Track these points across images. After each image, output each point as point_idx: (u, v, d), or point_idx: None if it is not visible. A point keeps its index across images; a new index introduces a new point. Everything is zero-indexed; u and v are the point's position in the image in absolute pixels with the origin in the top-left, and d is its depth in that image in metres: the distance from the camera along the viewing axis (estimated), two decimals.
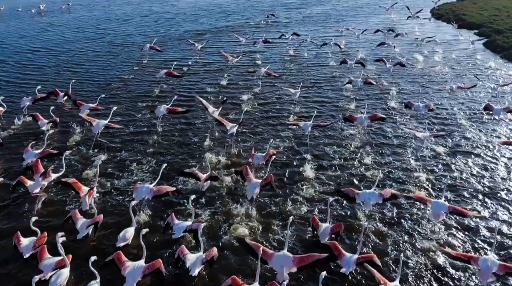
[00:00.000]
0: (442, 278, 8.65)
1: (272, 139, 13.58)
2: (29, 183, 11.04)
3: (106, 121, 14.11)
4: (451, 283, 8.53)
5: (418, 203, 10.73)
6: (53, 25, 38.82)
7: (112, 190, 11.64)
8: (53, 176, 11.38)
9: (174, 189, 10.63)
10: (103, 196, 11.31)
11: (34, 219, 9.35)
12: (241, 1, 54.57)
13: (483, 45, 29.52)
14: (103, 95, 17.13)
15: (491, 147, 14.30)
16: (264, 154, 12.33)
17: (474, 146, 14.39)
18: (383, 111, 17.15)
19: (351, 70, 22.87)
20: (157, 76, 20.46)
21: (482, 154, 13.80)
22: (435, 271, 8.82)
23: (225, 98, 16.79)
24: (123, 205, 10.94)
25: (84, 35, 34.01)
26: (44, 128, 14.70)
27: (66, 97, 17.54)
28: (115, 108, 15.22)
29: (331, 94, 19.70)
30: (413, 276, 8.69)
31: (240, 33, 31.82)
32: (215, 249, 8.52)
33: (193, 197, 10.00)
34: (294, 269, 8.12)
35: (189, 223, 9.43)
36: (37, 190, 11.10)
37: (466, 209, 10.19)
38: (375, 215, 10.62)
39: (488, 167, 13.02)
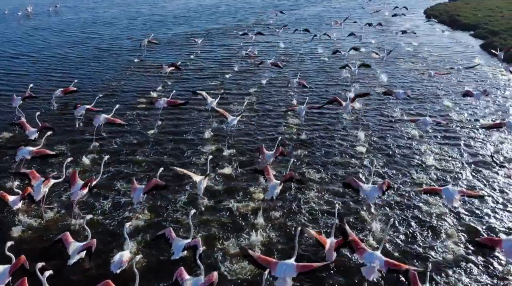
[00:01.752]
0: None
1: (280, 137, 13.48)
2: (10, 198, 10.06)
3: (107, 116, 14.47)
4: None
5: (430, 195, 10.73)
6: (38, 29, 37.35)
7: (104, 209, 10.70)
8: (52, 182, 10.59)
9: (163, 183, 10.40)
10: (94, 217, 10.24)
11: (9, 244, 8.22)
12: (231, 2, 53.69)
13: (480, 47, 29.03)
14: (100, 95, 16.97)
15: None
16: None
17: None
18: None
19: (346, 59, 24.43)
20: (162, 72, 21.37)
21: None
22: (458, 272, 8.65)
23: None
24: (116, 226, 10.01)
25: (69, 40, 32.69)
26: (32, 137, 13.56)
27: (62, 94, 17.51)
28: (117, 106, 15.58)
29: (327, 87, 20.76)
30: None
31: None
32: (215, 274, 7.67)
33: (193, 212, 9.19)
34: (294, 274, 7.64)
35: (188, 240, 8.64)
36: (19, 206, 10.11)
37: (473, 191, 10.85)
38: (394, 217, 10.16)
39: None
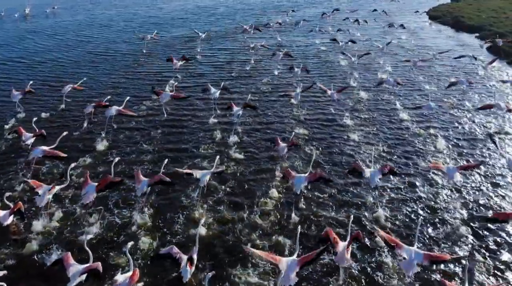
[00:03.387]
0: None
1: (293, 132, 14.00)
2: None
3: (119, 107, 14.96)
4: None
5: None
6: (33, 32, 36.45)
7: (102, 226, 10.09)
8: (57, 188, 10.39)
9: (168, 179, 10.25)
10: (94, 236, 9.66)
11: (1, 273, 7.55)
12: (230, 4, 52.91)
13: (487, 49, 28.25)
14: (109, 97, 16.73)
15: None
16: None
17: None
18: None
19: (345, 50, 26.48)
20: (173, 67, 22.07)
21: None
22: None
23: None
24: (117, 244, 9.43)
25: (65, 43, 31.83)
26: (28, 142, 13.14)
27: (70, 88, 17.78)
28: (128, 98, 16.21)
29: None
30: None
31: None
32: None
33: (198, 230, 8.61)
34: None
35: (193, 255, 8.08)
36: (9, 222, 9.46)
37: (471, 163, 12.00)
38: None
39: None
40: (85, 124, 14.93)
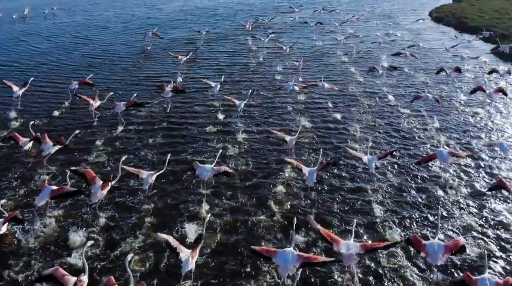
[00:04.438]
0: None
1: (300, 126, 14.27)
2: None
3: (126, 102, 15.59)
4: None
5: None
6: (30, 34, 35.77)
7: (100, 238, 9.65)
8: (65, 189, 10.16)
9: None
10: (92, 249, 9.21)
11: None
12: (229, 5, 52.44)
13: (491, 51, 27.80)
14: (111, 93, 17.18)
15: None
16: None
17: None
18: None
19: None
20: (179, 63, 23.23)
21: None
22: None
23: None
24: (115, 259, 9.01)
25: (62, 46, 31.17)
26: (26, 147, 13.00)
27: (77, 85, 18.33)
28: (135, 94, 16.83)
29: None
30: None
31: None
32: None
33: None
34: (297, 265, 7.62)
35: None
36: (2, 231, 9.15)
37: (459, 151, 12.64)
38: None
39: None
40: (77, 131, 13.73)
